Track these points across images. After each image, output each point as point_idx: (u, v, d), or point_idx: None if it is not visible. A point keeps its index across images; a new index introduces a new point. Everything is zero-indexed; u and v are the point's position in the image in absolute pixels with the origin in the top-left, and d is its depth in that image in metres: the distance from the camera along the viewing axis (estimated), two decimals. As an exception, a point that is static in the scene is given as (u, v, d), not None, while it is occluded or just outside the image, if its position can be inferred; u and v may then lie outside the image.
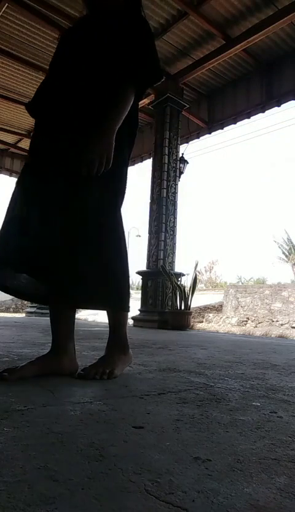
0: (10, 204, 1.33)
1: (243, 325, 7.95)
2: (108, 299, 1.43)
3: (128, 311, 1.49)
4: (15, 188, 1.35)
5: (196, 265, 6.03)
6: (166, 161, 6.08)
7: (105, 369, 1.34)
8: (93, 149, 1.26)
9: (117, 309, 1.46)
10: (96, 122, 1.31)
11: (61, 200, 1.31)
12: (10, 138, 8.47)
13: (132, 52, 1.38)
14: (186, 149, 7.07)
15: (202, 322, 8.88)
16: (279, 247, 21.37)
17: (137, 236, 22.97)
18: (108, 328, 1.48)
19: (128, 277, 1.46)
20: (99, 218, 1.36)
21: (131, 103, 1.38)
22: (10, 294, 1.45)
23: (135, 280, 17.04)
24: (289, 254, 21.03)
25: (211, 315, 9.20)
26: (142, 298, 6.09)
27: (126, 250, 1.44)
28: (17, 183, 1.37)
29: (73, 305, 1.49)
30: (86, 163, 1.25)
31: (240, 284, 17.61)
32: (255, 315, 8.61)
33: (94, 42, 1.41)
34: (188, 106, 6.40)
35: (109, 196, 1.39)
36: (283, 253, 21.30)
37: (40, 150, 1.39)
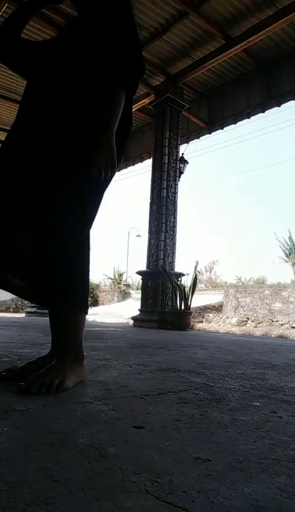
0: None
1: (243, 325, 7.95)
2: (65, 295, 1.27)
3: (86, 312, 1.32)
4: None
5: (196, 265, 6.04)
6: (166, 161, 6.09)
7: (53, 379, 1.12)
8: (100, 161, 1.24)
9: (73, 307, 1.28)
10: (90, 127, 1.28)
11: (28, 196, 1.25)
12: (10, 138, 8.47)
13: (116, 45, 1.31)
14: (186, 149, 7.08)
15: (202, 322, 8.88)
16: (280, 246, 21.35)
17: (137, 236, 22.97)
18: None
19: (88, 278, 1.34)
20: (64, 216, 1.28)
21: (124, 101, 1.32)
22: (10, 291, 1.44)
23: (135, 280, 17.06)
24: (290, 254, 21.02)
25: (211, 315, 9.20)
26: (142, 298, 6.09)
27: (88, 251, 1.33)
28: None
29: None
30: (95, 173, 1.25)
31: (240, 283, 17.61)
32: (255, 315, 8.61)
33: (78, 36, 1.37)
34: (188, 106, 6.41)
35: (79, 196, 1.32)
36: (284, 252, 21.29)
37: (12, 147, 1.32)
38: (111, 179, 1.38)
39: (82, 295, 1.30)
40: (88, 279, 1.34)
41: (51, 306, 1.35)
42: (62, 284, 1.27)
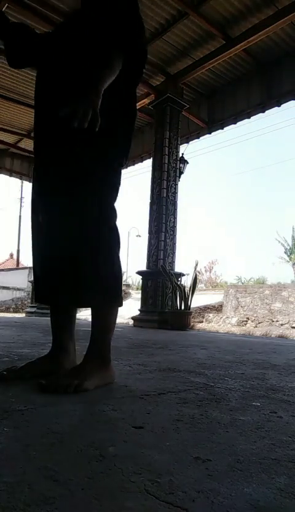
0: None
1: (243, 325, 7.95)
2: (98, 288, 1.27)
3: (120, 304, 1.33)
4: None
5: (196, 265, 6.04)
6: (166, 161, 6.08)
7: (73, 381, 1.12)
8: (77, 99, 1.12)
9: (107, 301, 1.29)
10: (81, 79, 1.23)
11: (60, 202, 1.29)
12: (10, 138, 8.46)
13: (118, 18, 1.31)
14: (186, 149, 7.08)
15: (202, 322, 8.87)
16: (282, 245, 21.33)
17: (137, 236, 22.98)
18: None
19: (120, 271, 1.35)
20: (96, 215, 1.30)
21: (119, 67, 1.27)
22: None
23: (135, 280, 17.05)
24: (290, 254, 21.01)
25: (211, 315, 9.20)
26: (142, 298, 6.09)
27: (118, 242, 1.34)
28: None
29: (69, 299, 1.44)
30: (69, 113, 1.09)
31: (240, 283, 17.61)
32: (255, 315, 8.61)
33: (82, 18, 1.38)
34: (188, 106, 6.41)
35: (107, 191, 1.34)
36: (285, 252, 21.27)
37: (41, 151, 1.37)
38: (120, 165, 1.37)
39: (118, 289, 1.32)
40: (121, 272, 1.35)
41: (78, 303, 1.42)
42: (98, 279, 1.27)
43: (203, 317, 9.38)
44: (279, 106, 5.90)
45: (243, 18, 4.95)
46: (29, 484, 0.55)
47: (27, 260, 22.22)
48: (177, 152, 6.35)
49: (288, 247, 21.17)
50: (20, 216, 24.52)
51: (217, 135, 8.11)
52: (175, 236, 6.10)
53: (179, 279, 5.96)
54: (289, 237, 21.18)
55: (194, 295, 5.84)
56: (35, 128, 1.40)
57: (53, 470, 0.60)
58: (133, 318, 6.15)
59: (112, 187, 1.36)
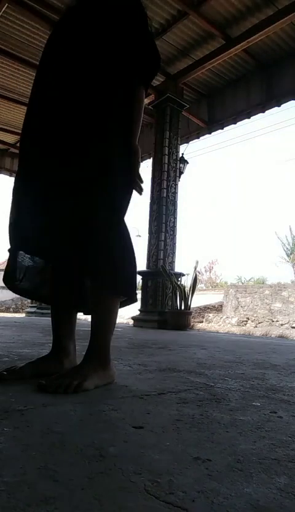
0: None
1: (243, 325, 7.95)
2: (109, 278, 1.24)
3: (135, 300, 1.32)
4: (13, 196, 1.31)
5: (197, 265, 6.04)
6: (166, 161, 6.09)
7: (72, 381, 1.12)
8: (137, 173, 1.34)
9: (117, 292, 1.27)
10: (115, 133, 1.29)
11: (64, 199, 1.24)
12: (10, 138, 8.47)
13: (134, 42, 1.34)
14: (186, 149, 7.08)
15: (202, 322, 8.88)
16: (282, 246, 21.35)
17: (137, 235, 22.96)
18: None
19: (135, 265, 1.32)
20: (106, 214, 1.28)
21: (144, 100, 1.39)
22: (17, 293, 1.46)
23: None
24: (290, 254, 21.03)
25: (211, 315, 9.20)
26: (142, 298, 6.09)
27: (130, 240, 1.32)
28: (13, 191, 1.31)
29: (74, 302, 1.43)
30: (137, 185, 1.34)
31: (240, 284, 17.61)
32: (255, 315, 8.61)
33: (89, 31, 1.33)
34: (188, 106, 6.41)
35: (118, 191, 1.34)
36: (285, 252, 21.29)
37: (32, 159, 1.31)
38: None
39: (132, 283, 1.30)
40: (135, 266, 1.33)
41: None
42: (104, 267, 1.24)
43: (203, 317, 9.39)
44: (279, 106, 5.90)
45: (243, 18, 4.95)
46: (29, 484, 0.55)
47: (27, 259, 22.11)
48: (177, 152, 6.35)
49: (288, 247, 21.19)
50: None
51: (218, 135, 8.11)
52: (175, 235, 6.10)
53: (179, 279, 5.96)
54: (290, 237, 21.19)
55: (194, 295, 5.84)
56: (39, 123, 1.32)
57: (53, 470, 0.60)
58: (133, 318, 6.15)
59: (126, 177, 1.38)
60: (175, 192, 6.15)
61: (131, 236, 1.34)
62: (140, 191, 1.38)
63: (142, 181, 1.37)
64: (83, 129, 1.26)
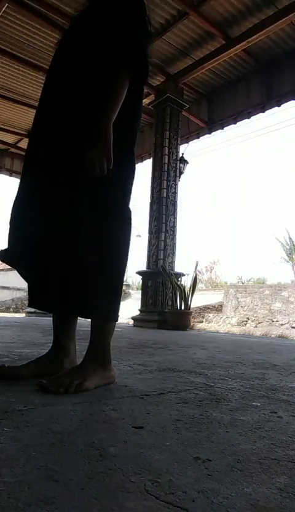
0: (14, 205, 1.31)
1: (243, 325, 7.95)
2: (97, 305, 1.27)
3: (117, 320, 1.33)
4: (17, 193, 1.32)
5: (197, 265, 6.04)
6: (166, 161, 6.08)
7: (73, 381, 1.12)
8: (90, 150, 1.19)
9: (106, 318, 1.30)
10: (91, 118, 1.24)
11: (62, 205, 1.25)
12: (10, 138, 8.46)
13: (116, 26, 1.30)
14: (186, 149, 7.08)
15: (202, 322, 8.88)
16: (282, 246, 21.36)
17: (137, 236, 22.96)
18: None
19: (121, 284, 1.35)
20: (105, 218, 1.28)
21: (126, 89, 1.26)
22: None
23: (135, 280, 17.06)
24: (290, 254, 21.03)
25: (211, 315, 9.20)
26: (142, 298, 6.09)
27: (127, 252, 1.33)
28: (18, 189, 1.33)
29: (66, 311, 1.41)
30: (88, 164, 1.19)
31: (240, 284, 17.61)
32: (255, 315, 8.61)
33: (88, 37, 1.34)
34: (188, 106, 6.41)
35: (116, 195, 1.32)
36: (285, 252, 21.29)
37: (38, 158, 1.32)
38: (131, 172, 1.37)
39: (116, 305, 1.31)
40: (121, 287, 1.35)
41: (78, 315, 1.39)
42: (93, 297, 1.27)
43: (203, 317, 9.39)
44: (279, 106, 5.90)
45: (243, 18, 4.95)
46: (29, 484, 0.55)
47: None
48: (177, 152, 6.35)
49: (288, 247, 21.19)
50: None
51: (218, 135, 8.11)
52: (175, 235, 6.10)
53: (179, 279, 5.96)
54: (288, 239, 21.20)
55: (194, 295, 5.84)
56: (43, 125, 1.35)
57: (53, 470, 0.60)
58: (133, 318, 6.15)
59: (130, 174, 1.37)
60: (175, 192, 6.15)
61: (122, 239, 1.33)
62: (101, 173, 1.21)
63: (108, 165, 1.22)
64: (74, 124, 1.27)
